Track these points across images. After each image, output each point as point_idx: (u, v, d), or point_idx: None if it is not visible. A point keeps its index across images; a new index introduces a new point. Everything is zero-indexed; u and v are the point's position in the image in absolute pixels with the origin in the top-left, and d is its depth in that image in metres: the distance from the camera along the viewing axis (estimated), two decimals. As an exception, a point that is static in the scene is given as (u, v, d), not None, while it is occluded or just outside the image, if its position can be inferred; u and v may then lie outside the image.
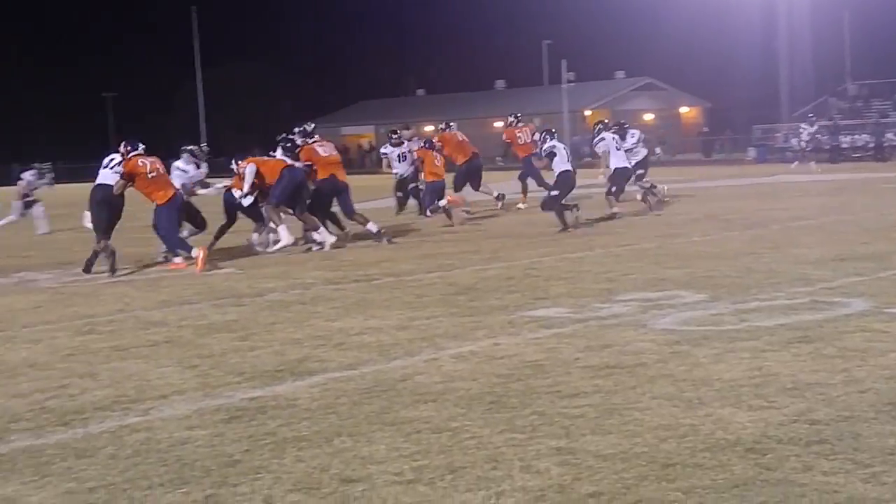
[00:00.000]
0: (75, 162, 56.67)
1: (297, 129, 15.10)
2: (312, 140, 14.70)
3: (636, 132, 19.91)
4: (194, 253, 11.93)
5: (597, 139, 17.41)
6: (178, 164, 14.05)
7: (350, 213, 14.62)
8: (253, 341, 7.28)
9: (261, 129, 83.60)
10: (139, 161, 12.15)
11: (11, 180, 25.11)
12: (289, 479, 4.20)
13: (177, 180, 13.35)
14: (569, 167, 15.01)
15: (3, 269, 12.74)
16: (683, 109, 75.99)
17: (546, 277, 9.92)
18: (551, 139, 15.52)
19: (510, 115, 21.23)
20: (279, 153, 14.08)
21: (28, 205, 19.44)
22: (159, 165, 12.46)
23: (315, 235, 13.72)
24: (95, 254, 11.96)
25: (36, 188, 19.70)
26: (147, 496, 4.08)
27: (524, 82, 79.06)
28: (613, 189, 17.06)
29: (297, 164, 13.85)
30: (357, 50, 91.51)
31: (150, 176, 12.17)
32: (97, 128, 76.98)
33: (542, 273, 10.27)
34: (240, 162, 13.82)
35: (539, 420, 4.90)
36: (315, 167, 14.32)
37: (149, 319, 8.48)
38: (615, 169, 17.17)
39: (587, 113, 69.61)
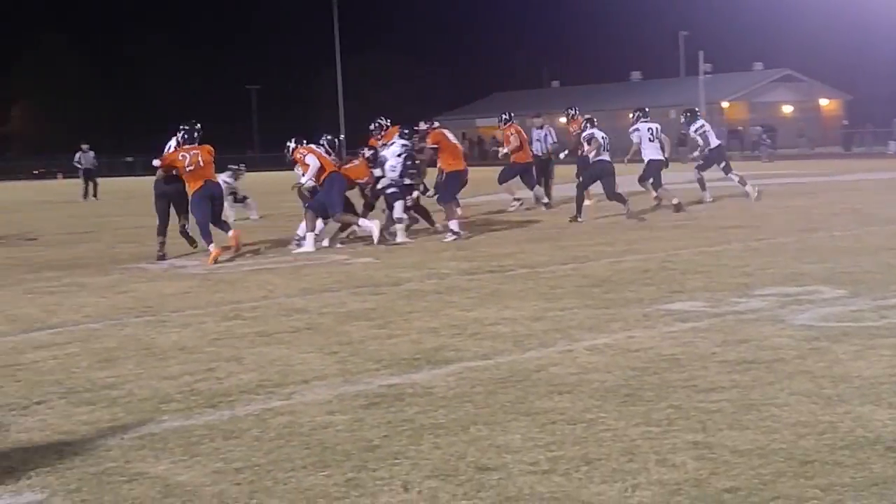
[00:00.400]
0: (220, 153, 58.44)
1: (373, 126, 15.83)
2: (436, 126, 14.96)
3: (702, 122, 19.67)
4: (211, 248, 12.46)
5: (632, 128, 17.64)
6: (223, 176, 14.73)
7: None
8: (390, 329, 7.42)
9: (399, 120, 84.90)
10: (180, 155, 12.75)
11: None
12: (426, 466, 4.29)
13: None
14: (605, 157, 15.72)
15: (153, 255, 13.23)
16: (823, 102, 73.74)
17: (682, 271, 9.80)
18: (591, 127, 16.20)
19: (505, 114, 20.41)
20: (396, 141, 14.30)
21: (238, 199, 19.88)
22: (201, 158, 12.77)
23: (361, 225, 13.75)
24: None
25: (234, 190, 19.80)
26: (290, 478, 4.22)
27: (660, 73, 77.85)
28: (650, 181, 17.25)
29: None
30: (492, 41, 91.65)
31: (188, 169, 12.70)
32: (241, 119, 79.28)
33: (678, 266, 10.15)
34: (299, 147, 13.88)
35: (675, 414, 4.87)
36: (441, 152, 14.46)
37: (291, 306, 8.71)
38: (648, 161, 17.39)
39: (724, 105, 68.19)
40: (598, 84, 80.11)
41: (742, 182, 19.11)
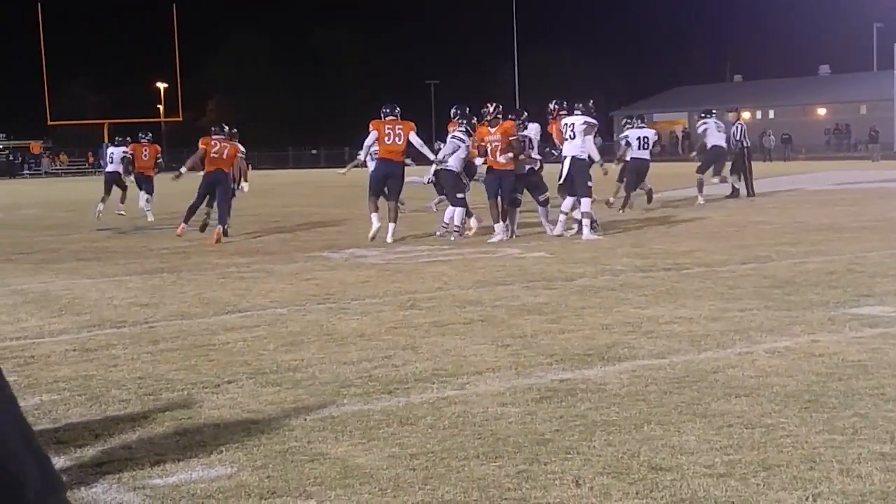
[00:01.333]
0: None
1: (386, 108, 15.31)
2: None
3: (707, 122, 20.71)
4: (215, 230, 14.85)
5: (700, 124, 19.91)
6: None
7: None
8: (563, 324, 7.41)
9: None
10: (212, 140, 15.35)
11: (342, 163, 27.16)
12: (598, 462, 4.28)
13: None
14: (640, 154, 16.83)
15: (336, 245, 13.66)
16: None
17: (871, 273, 9.41)
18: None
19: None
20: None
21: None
22: (226, 152, 15.30)
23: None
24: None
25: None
26: (463, 466, 4.29)
27: (851, 67, 74.65)
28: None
29: None
30: (672, 34, 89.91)
31: (213, 154, 15.16)
32: (422, 114, 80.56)
33: (866, 269, 9.75)
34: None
35: (861, 423, 4.70)
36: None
37: (465, 298, 8.82)
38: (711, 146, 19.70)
39: (921, 99, 64.68)
40: (783, 78, 77.46)
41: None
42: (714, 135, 18.96)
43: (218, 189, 15.22)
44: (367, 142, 15.03)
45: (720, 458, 4.26)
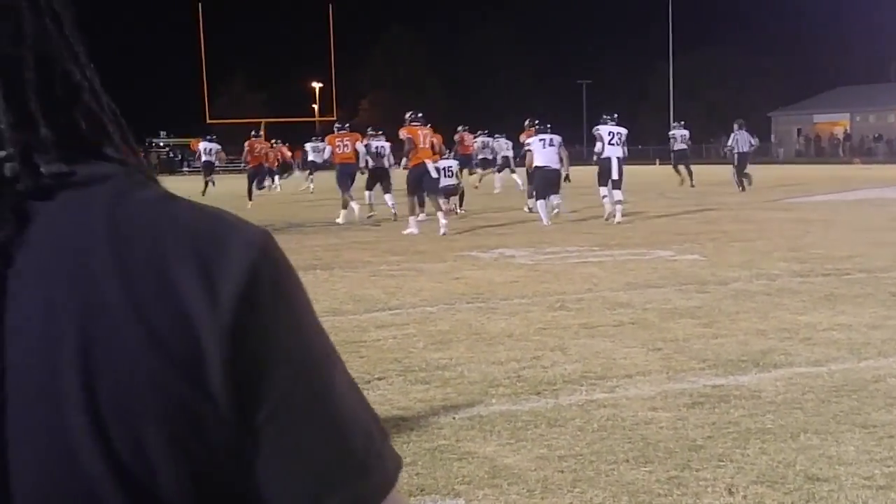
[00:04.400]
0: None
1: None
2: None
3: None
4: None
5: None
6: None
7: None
8: (716, 329, 7.27)
9: (731, 116, 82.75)
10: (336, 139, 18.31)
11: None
12: (752, 471, 4.19)
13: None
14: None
15: (484, 245, 13.73)
16: None
17: None
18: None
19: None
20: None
21: None
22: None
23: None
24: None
25: None
26: (612, 470, 4.26)
27: None
28: None
29: None
30: (834, 33, 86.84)
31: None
32: (573, 113, 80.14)
33: None
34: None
35: None
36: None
37: (615, 300, 8.74)
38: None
39: None
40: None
41: None
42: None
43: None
44: (406, 147, 16.45)
45: (880, 470, 4.12)
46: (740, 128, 26.57)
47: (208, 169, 28.22)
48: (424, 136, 16.01)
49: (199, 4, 54.14)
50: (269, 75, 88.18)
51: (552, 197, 17.47)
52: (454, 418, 5.08)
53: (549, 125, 18.03)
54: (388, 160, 19.64)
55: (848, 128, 75.11)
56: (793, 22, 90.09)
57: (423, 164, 15.93)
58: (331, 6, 57.35)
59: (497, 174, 27.49)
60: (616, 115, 18.53)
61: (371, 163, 19.42)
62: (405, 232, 15.68)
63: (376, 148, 19.48)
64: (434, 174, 16.16)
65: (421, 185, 16.14)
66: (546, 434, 4.79)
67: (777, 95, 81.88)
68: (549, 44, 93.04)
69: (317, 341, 0.74)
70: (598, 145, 18.14)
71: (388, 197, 19.01)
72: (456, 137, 26.26)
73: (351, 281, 10.40)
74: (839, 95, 79.23)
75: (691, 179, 28.08)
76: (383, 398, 5.49)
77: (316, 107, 77.20)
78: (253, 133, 24.50)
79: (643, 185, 31.51)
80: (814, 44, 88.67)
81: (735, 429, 4.79)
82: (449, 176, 19.86)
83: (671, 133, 29.58)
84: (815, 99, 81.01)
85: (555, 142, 17.53)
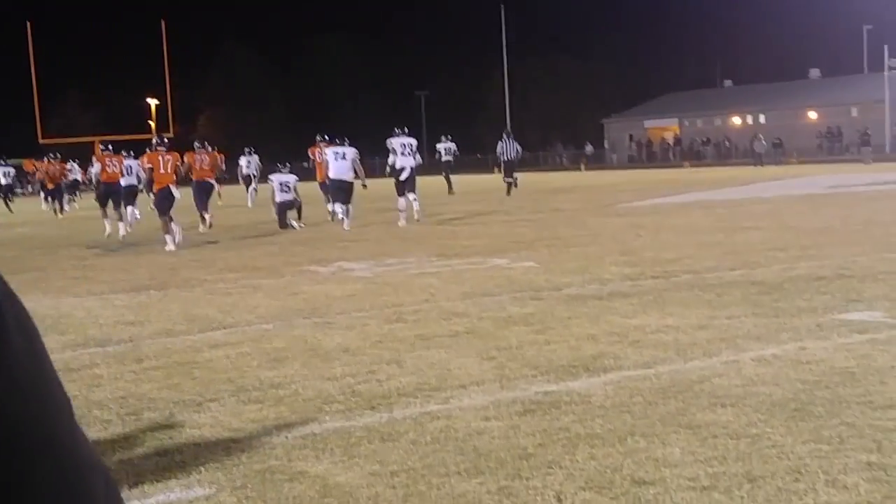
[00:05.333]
0: (386, 157, 59.78)
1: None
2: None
3: None
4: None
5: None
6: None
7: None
8: (549, 335, 7.36)
9: (565, 123, 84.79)
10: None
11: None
12: (580, 477, 4.23)
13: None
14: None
15: (324, 259, 13.60)
16: None
17: (861, 278, 9.37)
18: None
19: (318, 136, 23.95)
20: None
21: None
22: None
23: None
24: None
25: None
26: (444, 483, 4.23)
27: (841, 70, 74.82)
28: None
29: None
30: (662, 40, 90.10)
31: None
32: (411, 124, 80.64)
33: (856, 273, 9.71)
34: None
35: (847, 431, 4.64)
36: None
37: (452, 310, 8.76)
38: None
39: (912, 101, 64.92)
40: (773, 83, 77.64)
41: None
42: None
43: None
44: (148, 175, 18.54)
45: (704, 471, 4.21)
46: (508, 137, 30.08)
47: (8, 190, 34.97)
48: (165, 161, 17.24)
49: (28, 23, 52.11)
50: (102, 92, 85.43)
51: (338, 205, 18.97)
52: (287, 437, 4.97)
53: (345, 138, 19.57)
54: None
55: (678, 132, 77.97)
56: (623, 30, 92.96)
57: (167, 187, 17.04)
58: (163, 22, 56.02)
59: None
60: (406, 129, 20.70)
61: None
62: (166, 248, 16.24)
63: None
64: (176, 195, 17.00)
65: (171, 205, 16.96)
66: (379, 449, 4.73)
67: (609, 102, 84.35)
68: (387, 55, 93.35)
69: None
70: (392, 157, 20.05)
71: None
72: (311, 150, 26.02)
73: (185, 301, 10.12)
74: (669, 101, 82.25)
75: (450, 188, 31.16)
76: (215, 420, 5.34)
77: (153, 123, 75.31)
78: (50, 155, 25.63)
79: (481, 193, 31.93)
80: (644, 51, 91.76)
81: (565, 435, 4.83)
82: (286, 191, 19.90)
83: (438, 146, 33.53)
84: (645, 105, 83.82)
85: (347, 155, 18.87)
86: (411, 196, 19.70)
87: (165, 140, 18.01)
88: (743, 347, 6.59)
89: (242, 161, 36.31)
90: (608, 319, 7.90)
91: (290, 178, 20.51)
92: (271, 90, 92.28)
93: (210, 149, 22.12)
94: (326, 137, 22.41)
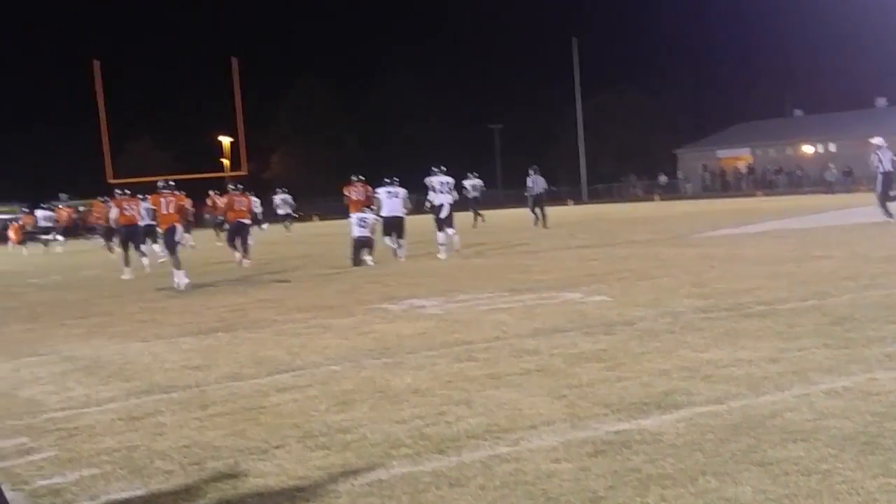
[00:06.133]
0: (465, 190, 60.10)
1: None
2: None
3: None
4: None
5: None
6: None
7: None
8: (620, 371, 7.30)
9: (638, 154, 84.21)
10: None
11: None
12: (650, 519, 4.17)
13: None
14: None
15: (395, 297, 13.65)
16: None
17: (937, 306, 9.14)
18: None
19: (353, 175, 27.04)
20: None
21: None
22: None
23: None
24: None
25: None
26: (512, 527, 4.21)
27: (907, 99, 73.39)
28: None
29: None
30: (732, 71, 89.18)
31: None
32: (485, 158, 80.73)
33: (931, 301, 9.48)
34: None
35: (921, 466, 4.53)
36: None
37: (522, 347, 8.72)
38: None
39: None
40: (840, 112, 76.49)
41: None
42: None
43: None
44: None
45: (775, 511, 4.13)
46: (535, 172, 32.04)
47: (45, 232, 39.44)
48: (168, 202, 18.53)
49: (97, 62, 53.47)
50: (174, 131, 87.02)
51: (388, 239, 20.83)
52: (353, 485, 4.96)
53: (395, 178, 21.25)
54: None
55: (751, 161, 77.01)
56: (694, 61, 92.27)
57: (172, 226, 18.38)
58: (234, 59, 57.08)
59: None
60: (444, 168, 22.19)
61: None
62: (175, 283, 17.59)
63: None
64: (178, 235, 18.47)
65: (177, 242, 18.40)
66: (447, 496, 4.71)
67: (682, 132, 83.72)
68: (460, 90, 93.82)
69: None
70: (431, 194, 21.52)
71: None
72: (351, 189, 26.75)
73: (254, 343, 10.21)
74: (740, 131, 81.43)
75: (476, 220, 34.01)
76: (280, 469, 5.35)
77: (226, 161, 76.63)
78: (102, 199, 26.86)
79: (554, 226, 31.85)
80: (715, 81, 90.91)
81: (636, 476, 4.78)
82: (363, 226, 20.24)
83: (465, 183, 34.73)
84: (717, 135, 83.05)
85: (399, 194, 20.68)
86: (450, 231, 21.21)
87: (171, 183, 19.17)
88: (814, 380, 6.47)
89: (277, 199, 39.22)
90: (680, 354, 7.81)
91: (369, 216, 20.87)
92: (344, 127, 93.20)
93: (237, 189, 23.79)
94: (362, 177, 25.58)
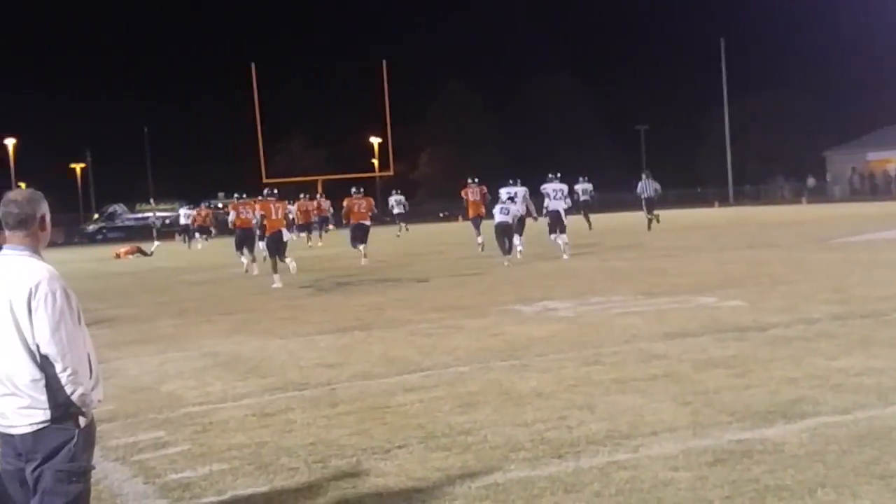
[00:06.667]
0: (607, 191, 59.69)
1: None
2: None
3: None
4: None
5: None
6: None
7: None
8: (748, 379, 7.20)
9: (785, 156, 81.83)
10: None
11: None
12: (763, 530, 4.15)
13: None
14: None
15: (529, 298, 13.68)
16: None
17: None
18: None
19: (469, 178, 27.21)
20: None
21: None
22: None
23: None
24: None
25: None
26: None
27: None
28: None
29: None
30: (880, 71, 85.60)
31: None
32: (631, 159, 79.78)
33: None
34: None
35: None
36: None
37: (651, 352, 8.67)
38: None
39: None
40: None
41: None
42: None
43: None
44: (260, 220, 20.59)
45: (893, 527, 4.06)
46: (647, 177, 32.63)
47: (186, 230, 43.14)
48: (276, 208, 19.73)
49: (253, 65, 55.10)
50: (325, 132, 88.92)
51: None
52: (469, 488, 5.05)
53: (517, 180, 21.99)
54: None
55: (903, 164, 73.82)
56: (842, 62, 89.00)
57: (278, 231, 19.43)
58: (385, 62, 58.03)
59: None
60: (559, 174, 22.88)
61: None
62: (273, 286, 18.28)
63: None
64: (286, 238, 19.61)
65: (279, 248, 19.29)
66: (561, 501, 4.76)
67: (831, 134, 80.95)
68: (606, 91, 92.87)
69: None
70: (546, 200, 22.14)
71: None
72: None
73: (387, 342, 10.42)
74: (891, 132, 78.12)
75: (589, 225, 33.63)
76: (400, 469, 5.50)
77: (376, 162, 77.95)
78: (236, 196, 27.08)
79: (697, 228, 31.32)
80: (864, 82, 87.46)
81: (753, 487, 4.74)
82: (505, 213, 20.59)
83: (576, 187, 34.72)
84: (867, 137, 79.96)
85: (518, 194, 21.30)
86: (563, 237, 21.75)
87: (275, 191, 20.37)
88: (949, 392, 6.27)
89: (392, 200, 41.09)
90: (811, 361, 7.65)
91: (511, 206, 21.08)
92: (490, 129, 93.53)
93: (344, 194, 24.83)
94: (476, 180, 26.42)
